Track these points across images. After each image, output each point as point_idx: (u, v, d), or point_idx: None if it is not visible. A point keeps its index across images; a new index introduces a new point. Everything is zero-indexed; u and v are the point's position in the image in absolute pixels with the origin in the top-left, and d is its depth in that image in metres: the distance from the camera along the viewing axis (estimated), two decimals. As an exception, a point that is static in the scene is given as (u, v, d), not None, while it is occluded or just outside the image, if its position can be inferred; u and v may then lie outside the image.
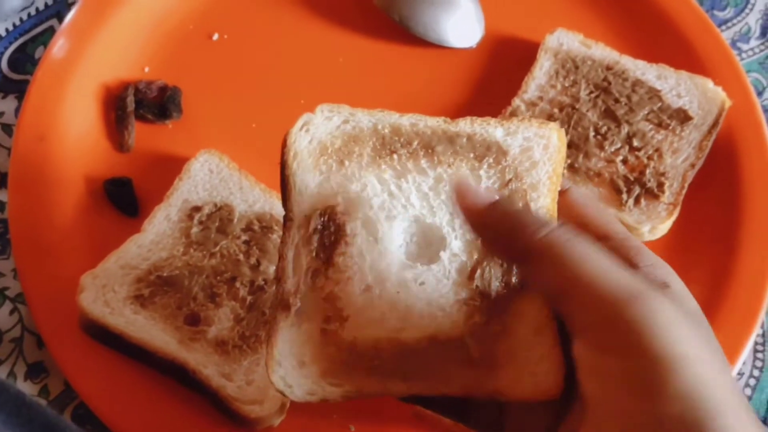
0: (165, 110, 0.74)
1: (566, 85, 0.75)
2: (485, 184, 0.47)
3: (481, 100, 0.77)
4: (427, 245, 0.47)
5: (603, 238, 0.45)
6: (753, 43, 0.83)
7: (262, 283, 0.65)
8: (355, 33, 0.80)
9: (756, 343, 0.70)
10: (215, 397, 0.60)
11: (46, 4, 0.80)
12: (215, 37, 0.79)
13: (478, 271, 0.46)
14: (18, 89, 0.76)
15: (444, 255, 0.46)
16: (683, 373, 0.35)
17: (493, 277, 0.45)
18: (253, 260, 0.66)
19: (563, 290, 0.40)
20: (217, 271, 0.65)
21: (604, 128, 0.72)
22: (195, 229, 0.67)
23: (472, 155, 0.47)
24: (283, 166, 0.47)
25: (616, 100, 0.73)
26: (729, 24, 0.84)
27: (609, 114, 0.73)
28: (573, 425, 0.42)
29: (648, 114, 0.73)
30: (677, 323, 0.37)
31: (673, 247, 0.69)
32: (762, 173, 0.72)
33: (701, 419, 0.35)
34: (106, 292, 0.64)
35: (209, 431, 0.62)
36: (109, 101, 0.74)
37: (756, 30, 0.83)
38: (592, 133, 0.72)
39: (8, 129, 0.75)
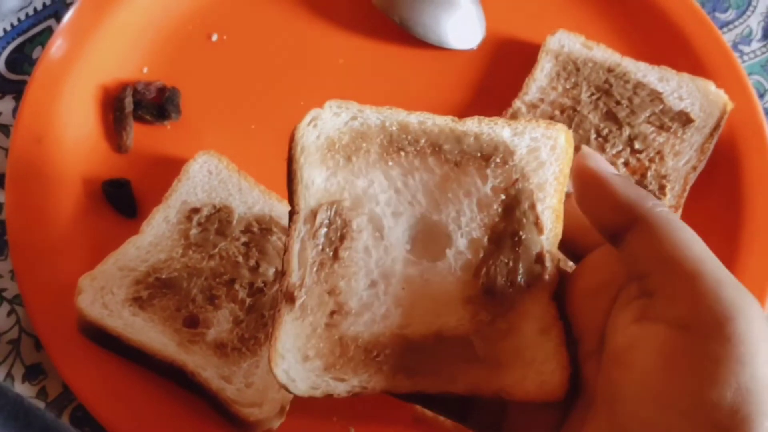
0: (164, 111, 0.73)
1: (567, 87, 0.75)
2: (492, 184, 0.47)
3: (481, 102, 0.77)
4: (433, 242, 0.47)
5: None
6: (755, 45, 0.83)
7: (262, 285, 0.65)
8: (355, 34, 0.80)
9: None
10: (214, 399, 0.60)
11: (44, 4, 0.80)
12: (214, 37, 0.79)
13: (484, 269, 0.46)
14: (16, 90, 0.76)
15: (449, 252, 0.46)
16: (751, 369, 0.36)
17: (499, 275, 0.45)
18: (252, 262, 0.66)
19: (664, 262, 0.40)
20: (216, 273, 0.65)
21: (606, 130, 0.72)
22: (194, 231, 0.67)
23: (479, 154, 0.47)
24: (291, 160, 0.47)
25: (618, 103, 0.73)
26: (731, 26, 0.83)
27: (610, 116, 0.73)
28: (574, 427, 0.42)
29: (649, 116, 0.73)
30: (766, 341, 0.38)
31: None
32: (763, 176, 0.72)
33: (754, 414, 0.35)
34: (104, 294, 0.63)
35: (208, 434, 0.61)
36: (107, 102, 0.74)
37: (758, 32, 0.83)
38: (593, 136, 0.72)
39: (6, 130, 0.75)
